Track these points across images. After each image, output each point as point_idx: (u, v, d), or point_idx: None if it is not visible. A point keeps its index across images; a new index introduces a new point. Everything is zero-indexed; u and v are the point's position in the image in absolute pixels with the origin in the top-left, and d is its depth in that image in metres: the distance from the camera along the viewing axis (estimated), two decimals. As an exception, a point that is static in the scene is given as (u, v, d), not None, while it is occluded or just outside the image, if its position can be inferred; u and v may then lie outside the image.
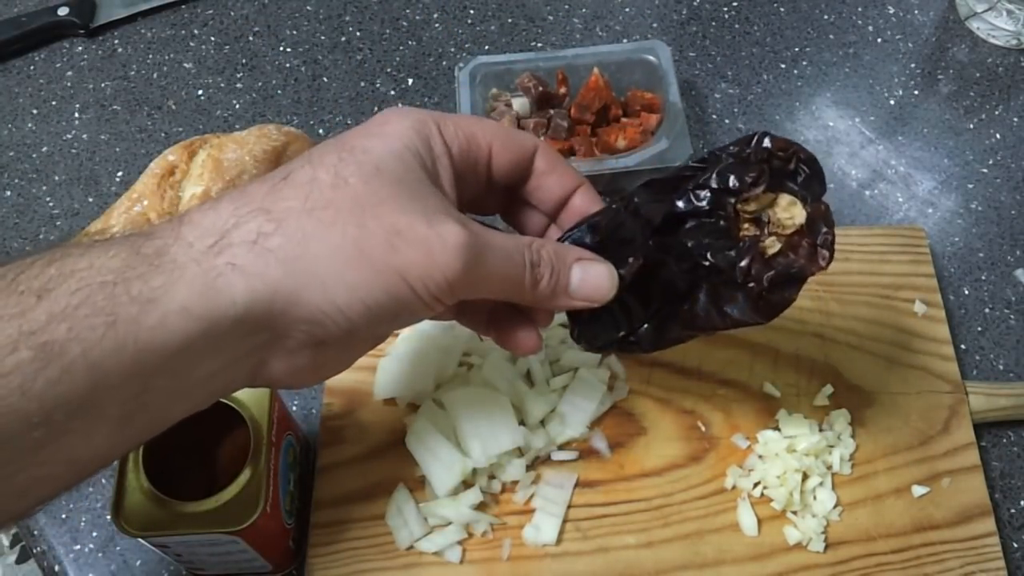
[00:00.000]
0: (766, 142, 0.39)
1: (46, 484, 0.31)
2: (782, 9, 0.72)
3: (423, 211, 0.34)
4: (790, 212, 0.39)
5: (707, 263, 0.39)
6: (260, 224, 0.32)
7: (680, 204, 0.40)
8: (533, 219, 0.43)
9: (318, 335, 0.34)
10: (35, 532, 0.50)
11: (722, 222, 0.40)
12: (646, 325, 0.41)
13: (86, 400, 0.29)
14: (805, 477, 0.49)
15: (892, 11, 0.72)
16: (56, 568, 0.49)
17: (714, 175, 0.39)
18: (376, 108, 0.66)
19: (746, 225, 0.40)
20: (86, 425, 0.30)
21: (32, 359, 0.28)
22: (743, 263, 0.39)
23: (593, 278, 0.39)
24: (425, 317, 0.37)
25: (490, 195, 0.42)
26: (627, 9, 0.72)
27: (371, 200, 0.33)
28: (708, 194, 0.39)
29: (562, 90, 0.62)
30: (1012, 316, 0.57)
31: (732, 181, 0.39)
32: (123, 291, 0.30)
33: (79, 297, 0.29)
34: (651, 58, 0.62)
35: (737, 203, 0.39)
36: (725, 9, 0.72)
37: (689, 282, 0.40)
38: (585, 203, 0.42)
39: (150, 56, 0.70)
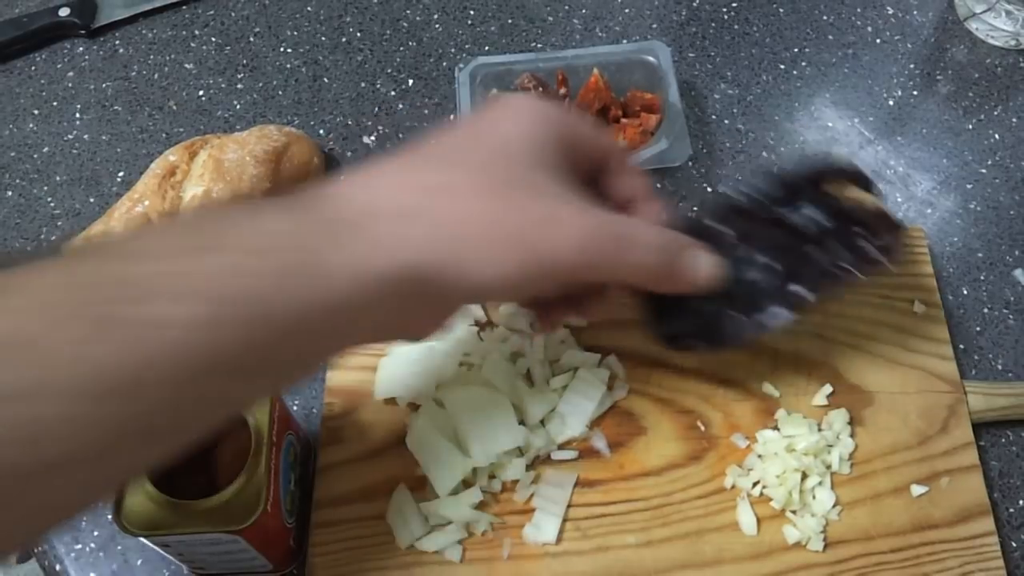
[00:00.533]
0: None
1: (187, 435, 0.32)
2: (781, 10, 0.72)
3: (563, 196, 0.37)
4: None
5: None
6: (424, 199, 0.35)
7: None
8: None
9: (457, 301, 0.38)
10: (36, 531, 0.50)
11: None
12: (714, 322, 0.45)
13: (251, 355, 0.31)
14: (804, 476, 0.49)
15: (891, 12, 0.72)
16: (57, 567, 0.49)
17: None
18: (376, 109, 0.67)
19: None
20: (246, 380, 0.32)
21: (206, 312, 0.29)
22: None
23: (704, 267, 0.42)
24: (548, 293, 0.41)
25: None
26: (627, 10, 0.72)
27: (518, 184, 0.36)
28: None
29: (562, 91, 0.62)
30: (1011, 316, 0.57)
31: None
32: (301, 254, 0.32)
33: (254, 257, 0.31)
34: (651, 59, 0.62)
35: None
36: (724, 10, 0.72)
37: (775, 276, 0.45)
38: (648, 211, 0.44)
39: (151, 57, 0.70)
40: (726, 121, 0.66)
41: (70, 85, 0.69)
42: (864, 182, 0.47)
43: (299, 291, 0.31)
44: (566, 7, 0.72)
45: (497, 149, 0.37)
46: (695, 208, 0.44)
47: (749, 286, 0.45)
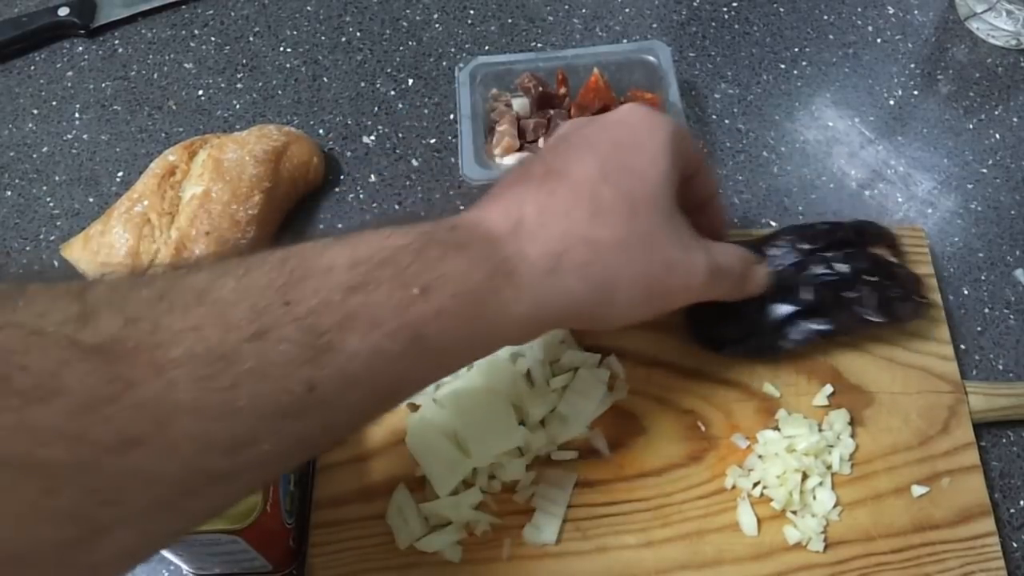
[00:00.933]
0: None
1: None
2: (782, 9, 0.72)
3: (682, 240, 0.43)
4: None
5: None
6: (583, 254, 0.39)
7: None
8: None
9: (595, 330, 0.50)
10: (35, 532, 0.50)
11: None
12: (770, 331, 0.51)
13: (412, 385, 0.37)
14: (805, 477, 0.49)
15: (892, 11, 0.72)
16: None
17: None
18: (376, 108, 0.66)
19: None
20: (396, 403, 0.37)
21: (398, 347, 0.33)
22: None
23: (761, 280, 0.49)
24: None
25: None
26: (627, 9, 0.72)
27: (654, 234, 0.41)
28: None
29: (562, 90, 0.62)
30: (1012, 316, 0.57)
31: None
32: (483, 301, 0.36)
33: (456, 301, 0.35)
34: (651, 58, 0.62)
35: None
36: (725, 9, 0.72)
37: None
38: (716, 212, 0.50)
39: (150, 56, 0.70)
40: (726, 121, 0.66)
41: (69, 85, 0.68)
42: (897, 246, 0.55)
43: (473, 337, 0.37)
44: (566, 7, 0.72)
45: (639, 197, 0.41)
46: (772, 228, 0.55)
47: (792, 302, 0.51)
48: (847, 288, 0.51)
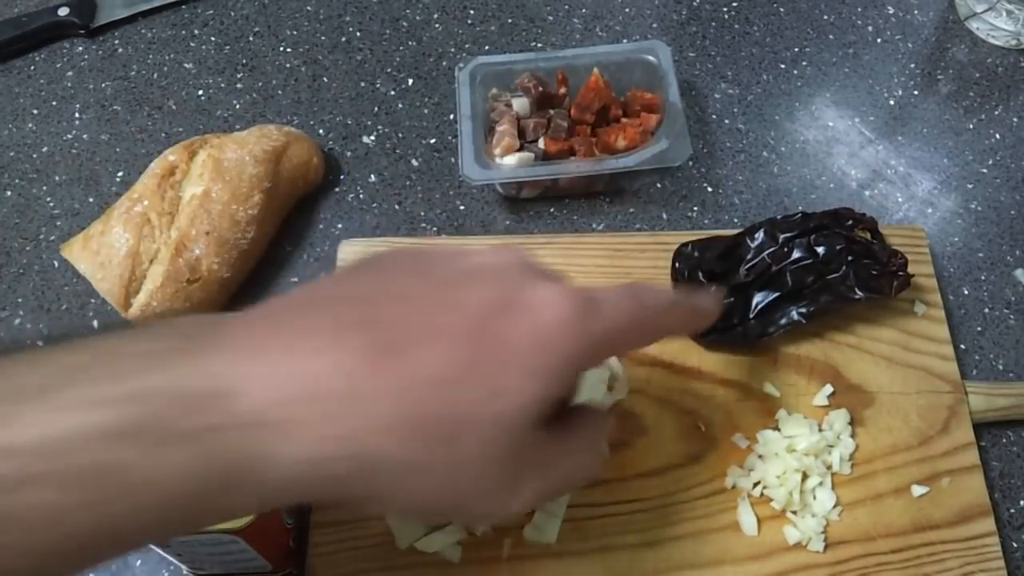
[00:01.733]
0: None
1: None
2: (782, 9, 0.72)
3: (503, 480, 0.33)
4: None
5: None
6: (355, 467, 0.31)
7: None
8: None
9: None
10: (35, 532, 0.50)
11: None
12: (752, 319, 0.52)
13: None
14: (805, 477, 0.49)
15: (892, 11, 0.72)
16: None
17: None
18: (376, 108, 0.66)
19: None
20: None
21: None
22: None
23: (595, 467, 0.38)
24: None
25: None
26: (627, 9, 0.72)
27: (470, 470, 0.32)
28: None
29: (562, 90, 0.62)
30: (1012, 316, 0.57)
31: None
32: (198, 508, 0.29)
33: (163, 505, 0.28)
34: (651, 58, 0.62)
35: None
36: (725, 9, 0.72)
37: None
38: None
39: (150, 56, 0.70)
40: (726, 121, 0.66)
41: (69, 85, 0.68)
42: (875, 229, 0.56)
43: (182, 529, 0.32)
44: (566, 6, 0.72)
45: (477, 424, 0.30)
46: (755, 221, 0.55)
47: (776, 290, 0.52)
48: (827, 270, 0.52)
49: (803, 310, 0.52)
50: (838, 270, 0.52)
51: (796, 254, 0.53)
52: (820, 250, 0.53)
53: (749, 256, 0.53)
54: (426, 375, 0.30)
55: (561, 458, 0.34)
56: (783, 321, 0.52)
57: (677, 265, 0.54)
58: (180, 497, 0.28)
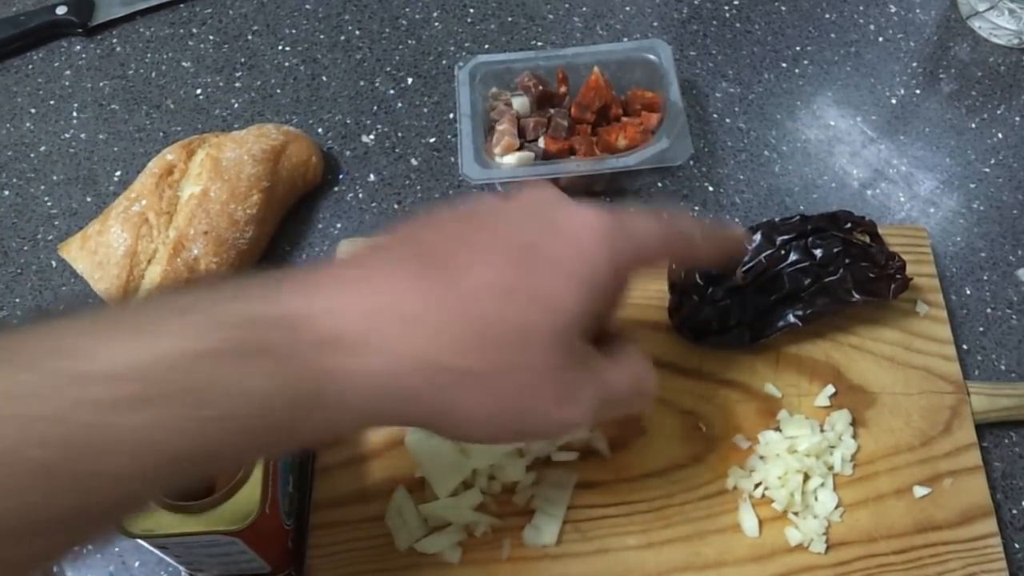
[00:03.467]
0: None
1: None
2: (783, 8, 0.72)
3: (567, 388, 0.35)
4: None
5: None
6: (428, 380, 0.33)
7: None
8: None
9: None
10: (33, 533, 0.50)
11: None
12: (749, 321, 0.52)
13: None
14: (806, 478, 0.48)
15: (894, 10, 0.71)
16: (54, 569, 0.49)
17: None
18: (375, 107, 0.66)
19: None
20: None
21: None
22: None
23: (647, 395, 0.40)
24: None
25: None
26: (627, 8, 0.72)
27: (534, 378, 0.35)
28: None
29: (562, 89, 0.62)
30: (1014, 316, 0.57)
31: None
32: (284, 427, 0.31)
33: (252, 422, 0.30)
34: (652, 57, 0.61)
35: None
36: (726, 8, 0.72)
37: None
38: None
39: (148, 55, 0.70)
40: (727, 120, 0.66)
41: (67, 84, 0.68)
42: (874, 232, 0.55)
43: (272, 448, 0.34)
44: (566, 5, 0.72)
45: (535, 331, 0.33)
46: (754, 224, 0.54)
47: (773, 292, 0.52)
48: (824, 273, 0.52)
49: (800, 313, 0.52)
50: (835, 273, 0.52)
51: (793, 256, 0.52)
52: (817, 253, 0.52)
53: (746, 258, 0.53)
54: (485, 291, 0.33)
55: (614, 372, 0.37)
56: (780, 324, 0.52)
57: (674, 266, 0.54)
58: (269, 411, 0.30)
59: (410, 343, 0.32)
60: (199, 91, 0.67)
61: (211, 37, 0.70)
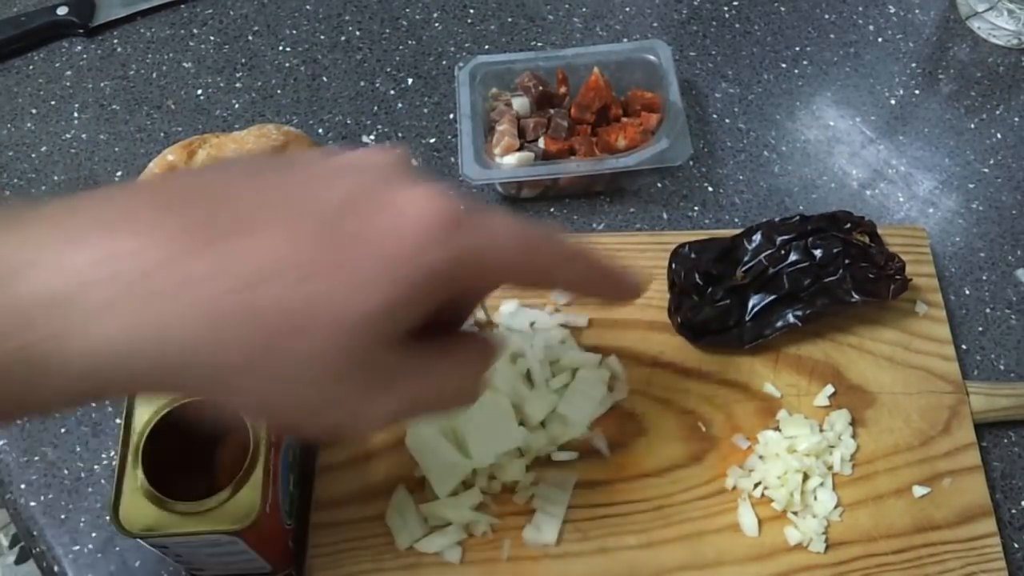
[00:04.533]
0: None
1: None
2: (783, 8, 0.72)
3: (350, 399, 0.31)
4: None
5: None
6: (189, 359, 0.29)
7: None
8: None
9: None
10: (34, 532, 0.50)
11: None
12: (748, 321, 0.52)
13: None
14: (806, 477, 0.48)
15: (893, 10, 0.71)
16: (55, 568, 0.49)
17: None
18: (376, 108, 0.66)
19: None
20: None
21: None
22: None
23: (470, 394, 0.36)
24: None
25: None
26: (627, 8, 0.72)
27: (317, 376, 0.30)
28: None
29: (562, 90, 0.62)
30: (1013, 316, 0.57)
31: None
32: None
33: None
34: (651, 57, 0.62)
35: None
36: (726, 8, 0.72)
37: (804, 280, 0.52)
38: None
39: (149, 56, 0.70)
40: (727, 120, 0.66)
41: (68, 84, 0.68)
42: (873, 230, 0.55)
43: None
44: (566, 5, 0.72)
45: (324, 318, 0.27)
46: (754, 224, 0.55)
47: (772, 292, 0.52)
48: (824, 273, 0.52)
49: (799, 313, 0.52)
50: (835, 273, 0.52)
51: (793, 257, 0.53)
52: (817, 253, 0.52)
53: (746, 258, 0.53)
54: (255, 264, 0.27)
55: (426, 378, 0.31)
56: (779, 324, 0.52)
57: (674, 266, 0.54)
58: None
59: (141, 314, 0.26)
60: (200, 91, 0.68)
61: (212, 38, 0.70)
